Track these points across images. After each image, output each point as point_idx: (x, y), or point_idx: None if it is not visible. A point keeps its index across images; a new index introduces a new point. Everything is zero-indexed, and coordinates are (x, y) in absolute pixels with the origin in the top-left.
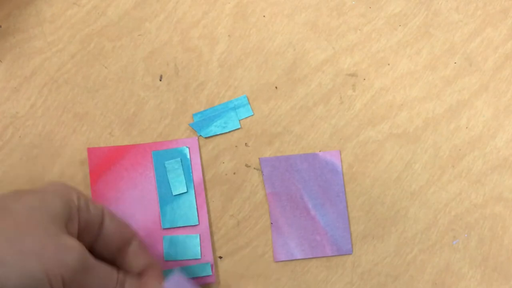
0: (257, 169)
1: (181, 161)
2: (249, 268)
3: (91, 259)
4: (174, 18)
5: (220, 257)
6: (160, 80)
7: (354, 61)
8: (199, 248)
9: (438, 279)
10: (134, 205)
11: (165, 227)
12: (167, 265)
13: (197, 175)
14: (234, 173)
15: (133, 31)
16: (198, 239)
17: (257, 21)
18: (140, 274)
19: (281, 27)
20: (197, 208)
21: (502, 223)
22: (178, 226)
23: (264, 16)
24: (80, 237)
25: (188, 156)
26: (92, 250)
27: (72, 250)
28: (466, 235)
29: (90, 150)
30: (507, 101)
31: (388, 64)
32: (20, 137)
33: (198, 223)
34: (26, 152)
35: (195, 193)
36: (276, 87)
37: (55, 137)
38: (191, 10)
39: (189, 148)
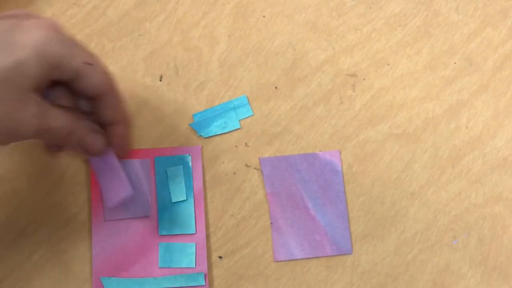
0: (257, 169)
1: (183, 169)
2: (249, 268)
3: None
4: (174, 18)
5: (220, 257)
6: (160, 80)
7: (354, 61)
8: (194, 257)
9: (438, 279)
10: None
11: (161, 234)
12: (161, 272)
13: (197, 183)
14: (234, 173)
15: (133, 31)
16: (194, 248)
17: (257, 21)
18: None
19: (281, 27)
20: (195, 217)
21: (502, 223)
22: (174, 233)
23: (264, 16)
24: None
25: (190, 164)
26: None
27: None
28: (466, 235)
29: None
30: (507, 101)
31: (388, 64)
32: None
33: (195, 232)
34: (27, 151)
35: (194, 202)
36: (276, 87)
37: None
38: (191, 10)
39: (191, 156)
